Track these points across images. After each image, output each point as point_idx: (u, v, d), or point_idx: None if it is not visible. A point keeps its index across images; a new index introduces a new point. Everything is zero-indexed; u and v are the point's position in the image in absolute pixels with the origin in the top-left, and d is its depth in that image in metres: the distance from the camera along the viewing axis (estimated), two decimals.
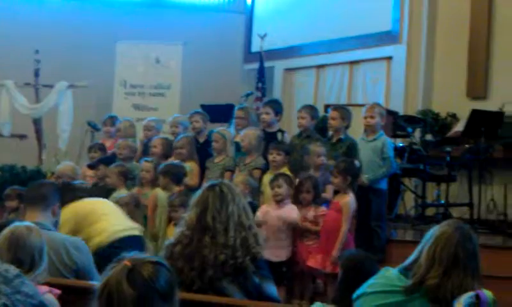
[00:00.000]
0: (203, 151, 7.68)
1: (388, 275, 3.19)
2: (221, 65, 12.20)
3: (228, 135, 7.54)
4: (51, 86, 10.63)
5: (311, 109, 7.55)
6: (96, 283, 2.27)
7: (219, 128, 7.84)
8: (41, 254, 3.32)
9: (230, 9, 12.98)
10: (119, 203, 6.63)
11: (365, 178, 6.83)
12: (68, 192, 5.16)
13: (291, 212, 6.30)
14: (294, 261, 6.34)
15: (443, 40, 10.15)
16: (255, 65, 11.84)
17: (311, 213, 6.36)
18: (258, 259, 3.56)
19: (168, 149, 7.75)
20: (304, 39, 11.88)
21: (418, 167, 8.50)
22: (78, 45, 11.69)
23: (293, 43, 12.04)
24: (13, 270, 2.83)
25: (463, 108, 9.24)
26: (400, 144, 8.92)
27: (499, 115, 8.39)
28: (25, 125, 10.76)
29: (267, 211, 6.37)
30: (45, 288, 3.18)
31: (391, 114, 8.61)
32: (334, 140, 7.18)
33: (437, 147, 8.79)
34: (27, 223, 3.48)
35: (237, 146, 7.44)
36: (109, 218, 5.07)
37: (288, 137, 7.63)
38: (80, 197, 5.25)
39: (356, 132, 7.59)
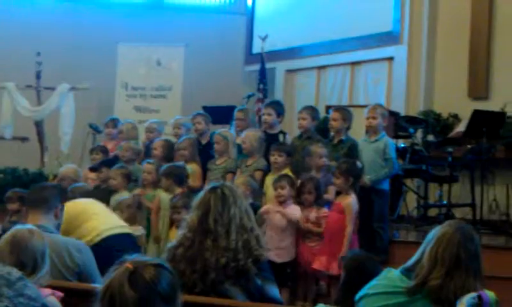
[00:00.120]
0: (205, 152, 7.68)
1: (390, 276, 3.19)
2: (222, 67, 12.21)
3: (230, 137, 7.54)
4: (53, 88, 10.63)
5: (312, 110, 7.55)
6: (99, 285, 2.27)
7: (221, 129, 7.85)
8: (44, 257, 3.32)
9: (231, 11, 12.98)
10: (121, 205, 6.66)
11: (367, 178, 6.83)
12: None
13: (293, 211, 6.31)
14: (297, 263, 6.35)
15: (444, 40, 10.14)
16: (256, 66, 11.84)
17: (313, 214, 6.37)
18: (260, 261, 3.56)
19: (169, 151, 7.75)
20: (305, 41, 11.89)
21: (420, 168, 8.49)
22: (79, 47, 11.70)
23: (294, 44, 12.04)
24: (15, 272, 2.83)
25: (464, 108, 9.23)
26: (402, 145, 8.91)
27: (501, 115, 8.38)
28: (27, 127, 10.76)
29: (270, 211, 6.38)
30: (47, 291, 3.18)
31: (392, 114, 8.61)
32: (335, 141, 7.19)
33: (439, 147, 8.78)
34: (29, 226, 3.48)
35: (239, 148, 7.44)
36: (99, 217, 5.08)
37: (289, 139, 7.62)
38: (70, 198, 5.27)
39: (357, 133, 7.58)
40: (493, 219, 8.60)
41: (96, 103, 11.50)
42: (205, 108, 9.25)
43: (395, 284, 3.13)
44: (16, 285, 2.76)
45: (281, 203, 6.37)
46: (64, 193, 4.65)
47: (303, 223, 6.31)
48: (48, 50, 10.90)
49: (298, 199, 6.43)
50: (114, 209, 6.82)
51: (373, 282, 3.25)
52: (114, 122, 9.05)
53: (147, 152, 8.09)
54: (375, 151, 7.02)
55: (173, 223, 6.61)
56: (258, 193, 6.71)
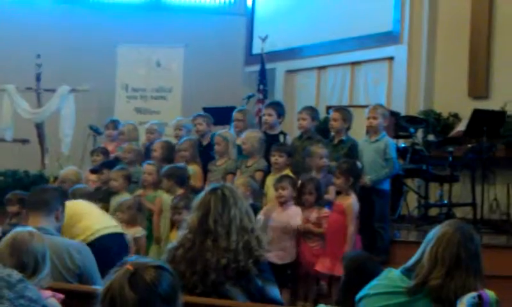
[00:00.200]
0: (206, 153, 7.67)
1: (391, 277, 3.19)
2: (222, 67, 12.21)
3: (230, 138, 7.54)
4: (53, 90, 10.64)
5: (311, 110, 7.56)
6: (100, 286, 2.27)
7: (222, 130, 7.85)
8: (44, 259, 3.32)
9: (231, 12, 12.98)
10: (122, 206, 6.66)
11: (367, 179, 6.83)
12: None
13: (295, 216, 6.30)
14: (298, 263, 6.34)
15: (444, 40, 10.14)
16: (256, 67, 11.84)
17: (314, 214, 6.37)
18: (261, 262, 3.56)
19: (168, 152, 7.76)
20: (305, 41, 11.88)
21: (421, 168, 8.49)
22: (79, 49, 11.70)
23: (294, 44, 12.03)
24: (16, 275, 2.83)
25: (464, 108, 9.23)
26: (403, 145, 8.91)
27: (501, 114, 8.39)
28: (27, 129, 10.76)
29: (270, 213, 6.38)
30: (48, 293, 3.18)
31: (393, 114, 8.61)
32: (335, 141, 7.19)
33: (439, 147, 8.78)
34: (29, 228, 3.48)
35: (238, 149, 7.44)
36: (92, 217, 5.09)
37: (290, 140, 7.62)
38: (72, 200, 5.28)
39: (358, 133, 7.59)
40: (493, 219, 8.60)
41: (96, 105, 11.51)
42: (205, 109, 9.25)
43: (395, 284, 3.13)
44: (17, 287, 2.75)
45: (282, 203, 6.37)
46: (65, 195, 4.65)
47: (303, 224, 6.30)
48: (48, 52, 10.90)
49: (299, 200, 6.44)
50: (115, 210, 6.86)
51: (373, 282, 3.25)
52: (115, 124, 9.06)
53: (147, 153, 8.09)
54: (375, 151, 7.02)
55: (173, 224, 6.60)
56: (258, 194, 6.72)
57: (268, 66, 11.73)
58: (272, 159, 6.87)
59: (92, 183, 7.71)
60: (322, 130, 8.02)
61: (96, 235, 4.85)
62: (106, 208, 7.24)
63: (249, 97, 10.56)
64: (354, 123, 7.38)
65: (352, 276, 3.79)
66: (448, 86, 9.98)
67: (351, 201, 6.25)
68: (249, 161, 7.15)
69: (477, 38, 9.67)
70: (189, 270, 3.49)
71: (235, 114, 7.95)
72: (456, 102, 9.79)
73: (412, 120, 9.13)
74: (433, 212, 8.76)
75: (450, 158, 8.12)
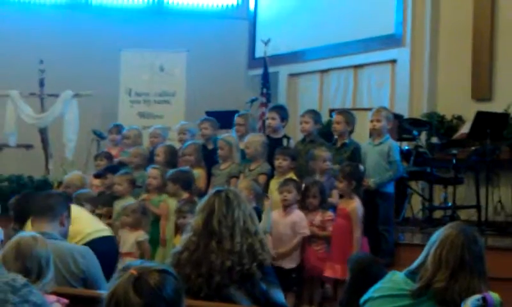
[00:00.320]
0: (211, 158, 7.67)
1: (395, 279, 3.19)
2: (225, 71, 12.22)
3: (233, 142, 7.53)
4: (56, 96, 10.65)
5: (314, 113, 7.57)
6: (104, 290, 2.28)
7: (225, 135, 7.85)
8: (48, 264, 3.33)
9: (233, 16, 12.98)
10: (127, 210, 6.68)
11: (371, 181, 6.83)
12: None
13: (300, 225, 6.29)
14: (302, 267, 6.34)
15: (447, 42, 10.13)
16: (259, 71, 11.84)
17: (318, 218, 6.37)
18: (264, 266, 3.56)
19: (171, 157, 7.77)
20: (307, 44, 11.87)
21: (425, 170, 8.48)
22: (82, 54, 11.73)
23: (297, 48, 12.03)
24: (20, 279, 2.83)
25: (468, 110, 9.23)
26: (406, 148, 8.91)
27: (504, 116, 8.39)
28: (31, 134, 10.78)
29: (275, 219, 6.38)
30: (52, 298, 3.18)
31: (396, 117, 8.60)
32: (338, 144, 7.20)
33: (443, 149, 8.77)
34: (32, 233, 3.49)
35: (242, 153, 7.44)
36: (81, 221, 5.11)
37: (293, 144, 7.62)
38: (76, 205, 5.29)
39: (361, 136, 7.59)
40: (498, 221, 8.57)
41: (100, 110, 11.52)
42: (208, 113, 9.26)
43: (399, 287, 3.13)
44: (21, 291, 2.75)
45: (286, 207, 6.37)
46: (70, 200, 4.67)
47: (308, 228, 6.31)
48: (52, 58, 10.91)
49: (303, 203, 6.44)
50: (119, 214, 6.87)
51: (378, 285, 3.25)
52: (118, 128, 9.07)
53: (151, 158, 8.09)
54: (379, 154, 7.01)
55: (178, 229, 6.60)
56: (261, 197, 6.71)
57: (271, 69, 11.72)
58: (276, 162, 6.87)
59: (95, 187, 7.72)
60: (325, 133, 8.01)
61: (87, 239, 4.87)
62: (110, 213, 7.28)
63: (252, 101, 10.56)
64: (358, 126, 7.39)
65: (358, 278, 3.79)
66: (452, 88, 9.97)
67: (355, 205, 6.25)
68: (253, 165, 7.15)
69: (480, 39, 9.66)
70: (194, 272, 3.50)
71: (236, 119, 7.95)
72: (459, 104, 9.77)
73: (415, 123, 9.13)
74: (438, 214, 8.75)
75: (454, 161, 8.11)
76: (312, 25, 11.78)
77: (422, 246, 3.22)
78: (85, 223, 5.09)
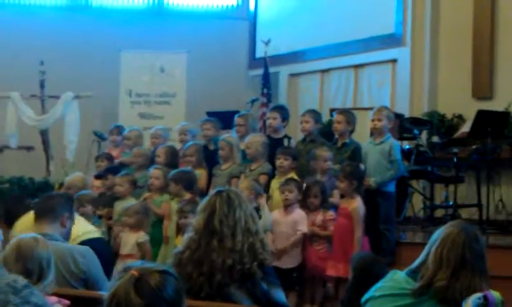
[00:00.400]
0: (213, 159, 7.67)
1: (396, 278, 3.19)
2: (225, 72, 12.22)
3: (234, 142, 7.54)
4: (57, 97, 10.65)
5: (314, 113, 7.58)
6: (106, 290, 2.28)
7: (226, 135, 7.85)
8: (49, 265, 3.33)
9: (234, 16, 12.98)
10: (129, 210, 6.68)
11: (372, 181, 6.83)
12: (19, 205, 5.26)
13: (299, 223, 6.30)
14: (304, 266, 6.35)
15: (447, 41, 10.13)
16: (260, 71, 11.84)
17: (319, 217, 6.38)
18: (265, 266, 3.57)
19: (172, 157, 7.77)
20: (308, 44, 11.87)
21: (426, 169, 8.49)
22: (83, 55, 11.74)
23: (297, 48, 12.02)
24: (21, 280, 2.84)
25: (468, 109, 9.23)
26: (407, 147, 8.91)
27: (505, 115, 8.39)
28: (32, 136, 10.78)
29: (275, 219, 6.39)
30: (53, 299, 3.18)
31: (397, 116, 8.60)
32: (339, 144, 7.20)
33: (444, 148, 8.76)
34: (33, 235, 3.50)
35: (243, 153, 7.44)
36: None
37: (294, 143, 7.63)
38: (77, 206, 5.30)
39: (362, 135, 7.58)
40: (499, 219, 8.58)
41: (100, 111, 11.52)
42: (208, 113, 9.27)
43: (401, 286, 3.13)
44: (23, 293, 2.76)
45: (287, 206, 6.38)
46: (72, 201, 4.67)
47: (309, 227, 6.31)
48: (52, 59, 10.93)
49: (304, 203, 6.44)
50: (121, 215, 6.88)
51: (379, 284, 3.25)
52: (119, 129, 9.07)
53: (152, 158, 8.10)
54: (380, 153, 7.01)
55: (179, 229, 6.60)
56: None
57: (271, 69, 11.72)
58: (278, 162, 6.88)
59: (96, 189, 7.73)
60: (326, 133, 8.01)
61: (78, 241, 4.86)
62: (110, 214, 7.29)
63: (253, 101, 10.56)
64: (358, 126, 7.39)
65: (360, 277, 3.80)
66: (452, 87, 9.97)
67: (357, 205, 6.25)
68: (253, 165, 7.15)
69: (480, 38, 9.66)
70: (196, 271, 3.51)
71: (236, 119, 7.96)
72: (459, 103, 9.77)
73: (416, 122, 9.13)
74: (439, 213, 8.76)
75: (455, 160, 8.10)
76: (312, 25, 11.78)
77: (423, 245, 3.22)
78: (75, 225, 5.08)
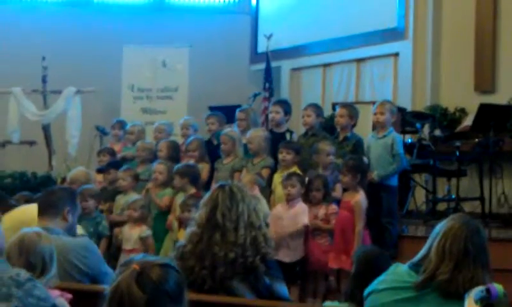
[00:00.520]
0: (217, 153, 7.66)
1: (398, 271, 3.19)
2: (227, 66, 12.21)
3: (236, 136, 7.54)
4: (59, 92, 10.65)
5: (316, 107, 7.57)
6: (110, 278, 2.28)
7: (227, 129, 7.86)
8: (52, 259, 3.34)
9: (235, 11, 12.97)
10: (135, 204, 6.71)
11: (375, 174, 6.82)
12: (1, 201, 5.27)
13: (301, 215, 6.30)
14: (306, 260, 6.35)
15: (450, 35, 10.11)
16: (262, 66, 11.84)
17: (322, 211, 6.38)
18: (268, 260, 3.57)
19: (174, 152, 7.77)
20: (310, 39, 11.85)
21: (428, 163, 8.49)
22: (85, 51, 11.72)
23: (299, 42, 12.01)
24: (24, 274, 2.85)
25: (471, 102, 9.22)
26: (409, 140, 8.91)
27: (507, 108, 8.39)
28: (34, 131, 10.79)
29: (278, 213, 6.39)
30: (56, 293, 3.19)
31: (399, 110, 8.60)
32: (340, 138, 7.19)
33: (446, 142, 8.77)
34: (36, 229, 3.51)
35: (245, 148, 7.45)
36: None
37: (296, 138, 7.63)
38: (15, 205, 5.27)
39: (364, 129, 7.58)
40: (502, 212, 8.57)
41: (102, 106, 11.51)
42: (211, 108, 9.26)
43: (403, 279, 3.13)
44: (26, 286, 2.77)
45: (289, 200, 6.38)
46: (75, 195, 4.67)
47: (311, 220, 6.31)
48: (54, 54, 10.92)
49: (306, 197, 6.44)
50: (124, 209, 6.91)
51: (381, 277, 3.25)
52: (121, 124, 9.08)
53: (156, 153, 8.10)
54: (383, 147, 7.00)
55: (181, 223, 6.60)
56: (265, 191, 6.72)
57: (273, 64, 11.72)
58: (280, 156, 6.88)
59: (98, 183, 7.74)
60: (328, 127, 8.01)
61: None
62: (111, 208, 7.30)
63: (255, 95, 10.56)
64: (360, 120, 7.38)
65: (363, 270, 3.79)
66: (455, 80, 9.95)
67: (359, 198, 6.25)
68: (256, 159, 7.15)
69: (482, 32, 9.64)
70: (198, 264, 3.51)
71: (237, 114, 7.97)
72: (462, 96, 9.76)
73: (418, 115, 9.14)
74: (441, 206, 8.75)
75: (458, 153, 8.10)
76: (314, 19, 11.76)
77: (425, 238, 3.22)
78: None
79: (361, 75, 11.43)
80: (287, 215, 6.34)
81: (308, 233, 6.35)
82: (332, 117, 8.34)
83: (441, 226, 3.13)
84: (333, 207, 6.39)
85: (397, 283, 3.15)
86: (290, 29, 12.06)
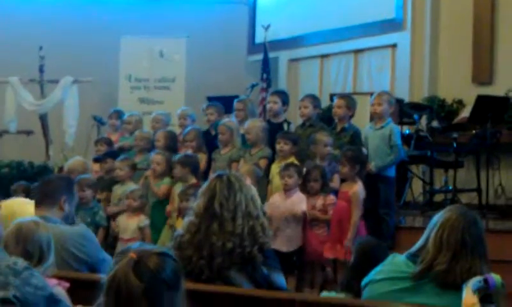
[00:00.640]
0: (215, 143, 7.66)
1: (396, 262, 3.20)
2: (225, 57, 12.18)
3: (234, 127, 7.54)
4: (56, 82, 10.62)
5: (313, 98, 7.57)
6: (105, 274, 2.28)
7: (225, 120, 7.85)
8: (49, 248, 3.33)
9: (233, 1, 12.93)
10: (134, 194, 6.72)
11: (372, 165, 6.82)
12: None
13: (299, 203, 6.30)
14: (304, 250, 6.35)
15: (448, 26, 10.09)
16: (259, 56, 11.83)
17: (319, 202, 6.38)
18: (265, 249, 3.57)
19: (171, 142, 7.77)
20: (307, 29, 11.83)
21: (426, 154, 8.49)
22: (82, 40, 11.68)
23: (297, 33, 11.98)
24: (21, 262, 2.85)
25: (468, 94, 9.21)
26: (407, 132, 8.91)
27: (505, 100, 8.39)
28: (31, 121, 10.77)
29: (275, 202, 6.39)
30: (53, 281, 3.19)
31: (397, 101, 8.59)
32: (338, 129, 7.18)
33: (444, 133, 8.76)
34: (33, 218, 3.51)
35: (242, 138, 7.44)
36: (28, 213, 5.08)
37: (294, 128, 7.62)
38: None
39: (361, 120, 7.57)
40: (499, 204, 8.58)
41: (100, 96, 11.49)
42: (209, 98, 9.26)
43: (401, 269, 3.14)
44: (23, 274, 2.77)
45: (287, 191, 6.38)
46: (72, 184, 4.66)
47: (309, 211, 6.31)
48: (51, 44, 10.87)
49: (304, 187, 6.44)
50: (121, 198, 6.91)
51: (379, 267, 3.26)
52: (118, 114, 9.08)
53: (153, 142, 8.10)
54: (381, 138, 6.99)
55: (180, 213, 6.60)
56: (262, 181, 6.72)
57: (271, 55, 11.71)
58: (278, 147, 6.87)
59: (95, 173, 7.74)
60: (325, 118, 8.00)
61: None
62: (109, 197, 7.30)
63: (252, 86, 10.55)
64: (358, 111, 7.37)
65: (361, 261, 3.80)
66: (452, 72, 9.94)
67: (357, 189, 6.25)
68: (253, 149, 7.15)
69: (480, 23, 9.62)
70: (196, 254, 3.51)
71: (235, 104, 7.97)
72: (459, 88, 9.75)
73: (416, 107, 9.14)
74: (438, 197, 8.75)
75: (455, 144, 8.10)
76: (312, 10, 11.74)
77: (422, 229, 3.23)
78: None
79: (359, 66, 11.42)
80: (284, 204, 6.34)
81: (306, 223, 6.35)
82: (330, 108, 8.34)
83: (438, 217, 3.14)
84: (331, 198, 6.39)
85: (395, 273, 3.16)
86: (288, 20, 12.03)
